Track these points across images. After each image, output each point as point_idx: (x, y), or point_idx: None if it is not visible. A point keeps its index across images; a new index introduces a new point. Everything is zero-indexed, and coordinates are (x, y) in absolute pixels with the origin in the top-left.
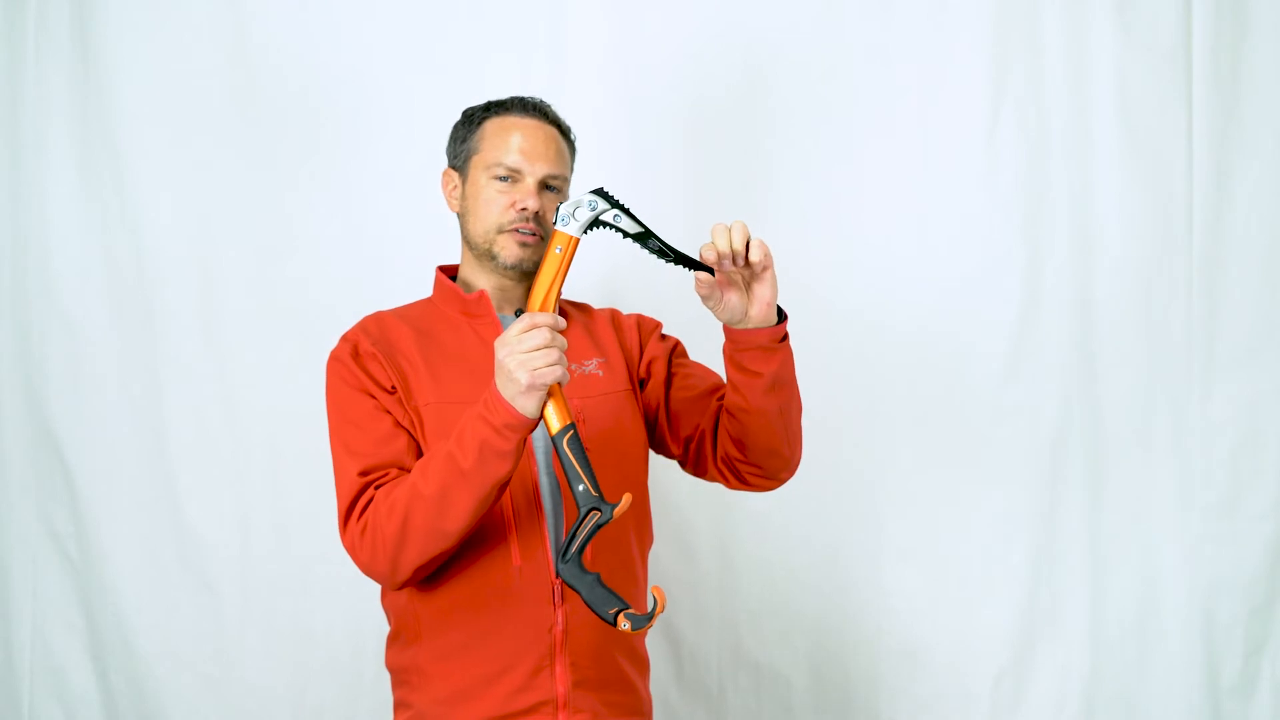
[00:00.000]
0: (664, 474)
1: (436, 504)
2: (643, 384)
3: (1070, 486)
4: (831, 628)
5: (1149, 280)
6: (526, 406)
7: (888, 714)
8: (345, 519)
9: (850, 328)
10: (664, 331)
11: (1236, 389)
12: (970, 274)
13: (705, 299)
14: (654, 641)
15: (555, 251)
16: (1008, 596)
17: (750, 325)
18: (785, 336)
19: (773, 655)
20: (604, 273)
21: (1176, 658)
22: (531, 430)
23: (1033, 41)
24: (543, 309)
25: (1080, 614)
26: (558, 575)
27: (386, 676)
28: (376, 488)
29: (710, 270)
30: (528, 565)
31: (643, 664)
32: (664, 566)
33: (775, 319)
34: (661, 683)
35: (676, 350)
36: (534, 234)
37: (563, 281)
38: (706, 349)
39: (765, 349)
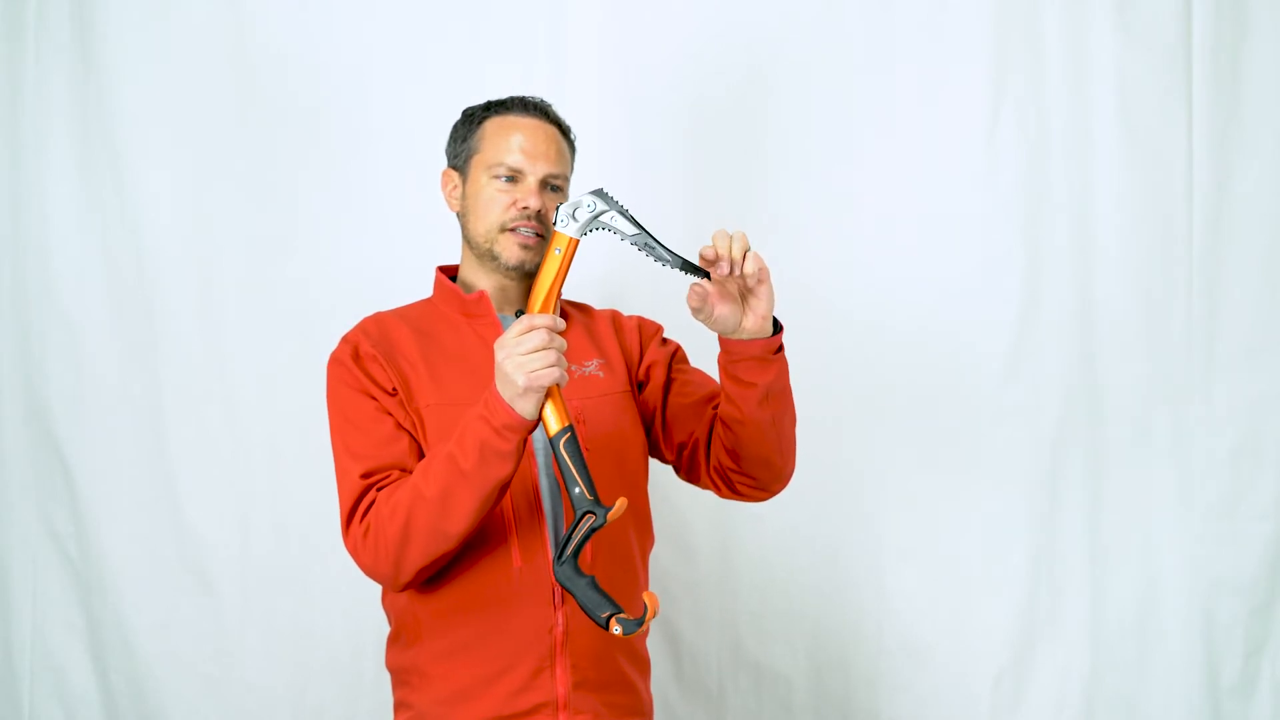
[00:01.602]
0: (664, 475)
1: (438, 505)
2: (641, 387)
3: (1070, 486)
4: (831, 628)
5: (1149, 280)
6: (525, 408)
7: (888, 714)
8: (347, 521)
9: (850, 327)
10: (665, 335)
11: (1236, 389)
12: (970, 274)
13: (696, 311)
14: (654, 641)
15: (555, 252)
16: (1008, 596)
17: (745, 336)
18: (780, 348)
19: (773, 655)
20: (605, 273)
21: (1176, 658)
22: (530, 431)
23: (1033, 41)
24: (543, 310)
25: (1080, 614)
26: (555, 577)
27: (386, 676)
28: (378, 490)
29: (706, 275)
30: (528, 567)
31: (644, 664)
32: (664, 566)
33: (770, 330)
34: (661, 683)
35: (677, 356)
36: (535, 233)
37: (562, 282)
38: (708, 353)
39: (759, 360)
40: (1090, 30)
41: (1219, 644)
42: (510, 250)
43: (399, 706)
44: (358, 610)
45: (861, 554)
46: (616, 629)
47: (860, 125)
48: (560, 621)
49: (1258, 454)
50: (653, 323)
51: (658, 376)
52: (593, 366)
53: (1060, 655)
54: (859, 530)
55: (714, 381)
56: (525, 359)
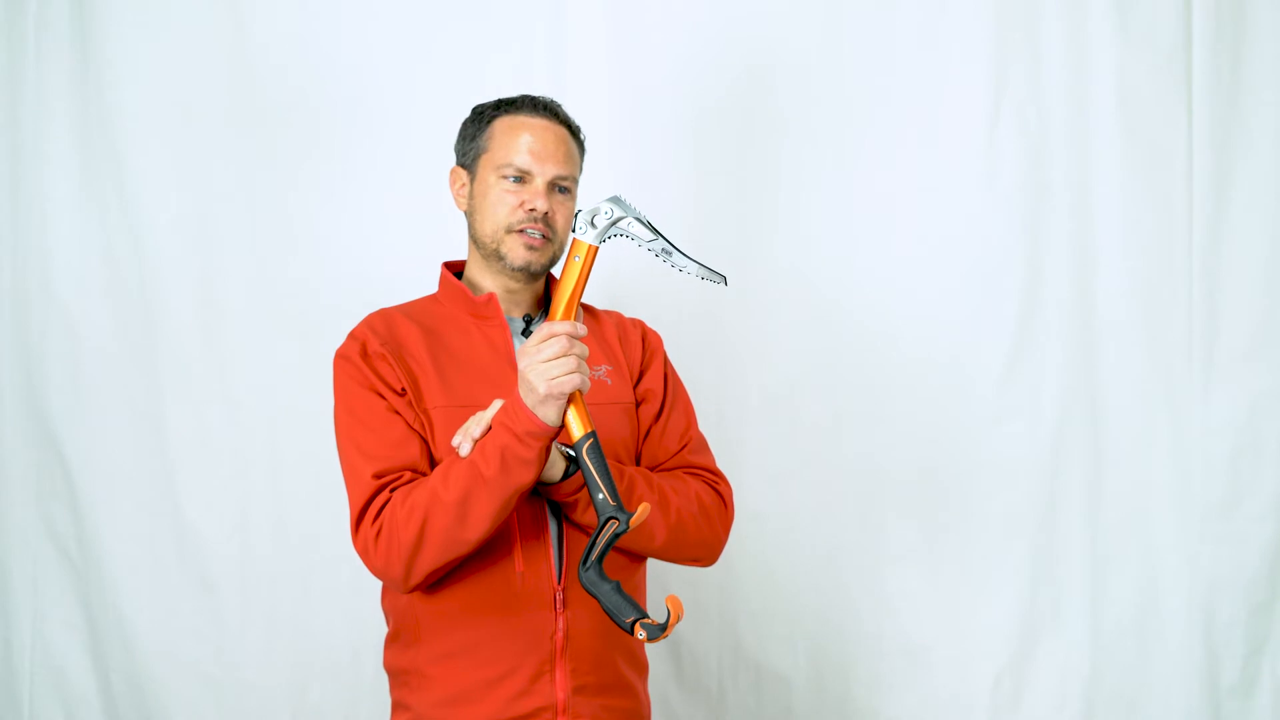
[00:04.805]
0: None
1: (457, 510)
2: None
3: (1070, 486)
4: (831, 628)
5: (1149, 280)
6: (547, 414)
7: (888, 714)
8: (358, 521)
9: (850, 326)
10: (665, 336)
11: (1236, 389)
12: (970, 274)
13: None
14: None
15: (575, 260)
16: (1008, 596)
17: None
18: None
19: (773, 655)
20: (606, 277)
21: (1176, 658)
22: (554, 438)
23: (1033, 41)
24: (564, 318)
25: (1080, 614)
26: (580, 582)
27: (386, 676)
28: (392, 490)
29: (723, 279)
30: (530, 571)
31: (642, 668)
32: (664, 566)
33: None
34: (661, 683)
35: (667, 395)
36: (542, 235)
37: (583, 290)
38: (709, 351)
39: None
40: (1090, 30)
41: (1219, 644)
42: (516, 251)
43: (397, 707)
44: (358, 610)
45: (861, 554)
46: (641, 634)
47: (861, 125)
48: (561, 626)
49: (1258, 454)
50: (655, 335)
51: (645, 416)
52: (601, 372)
53: (1060, 655)
54: (859, 530)
55: (685, 427)
56: (546, 366)
